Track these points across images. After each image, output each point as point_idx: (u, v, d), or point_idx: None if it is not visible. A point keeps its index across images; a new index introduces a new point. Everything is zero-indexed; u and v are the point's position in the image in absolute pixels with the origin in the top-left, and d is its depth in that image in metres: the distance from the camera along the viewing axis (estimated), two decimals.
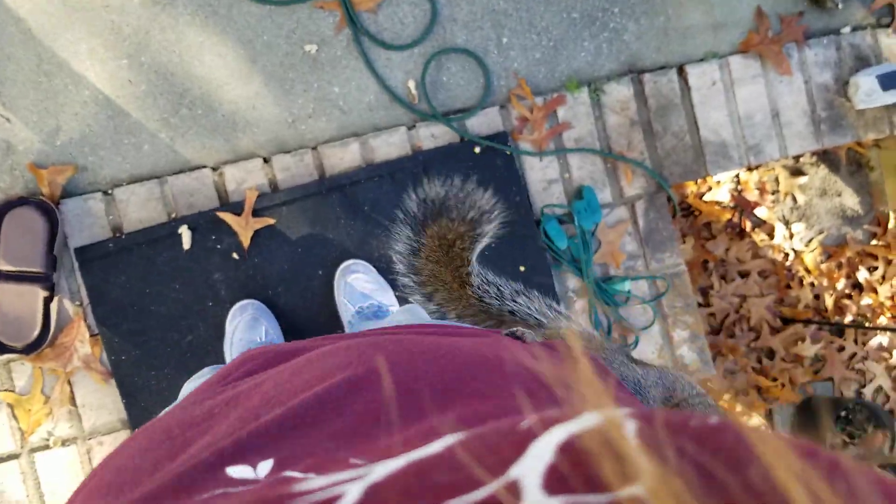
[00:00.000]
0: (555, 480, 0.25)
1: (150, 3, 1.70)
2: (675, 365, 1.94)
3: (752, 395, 2.36)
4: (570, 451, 0.25)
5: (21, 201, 1.65)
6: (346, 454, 0.35)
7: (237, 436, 0.42)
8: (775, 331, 2.36)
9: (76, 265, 1.72)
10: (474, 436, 0.30)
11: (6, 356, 1.72)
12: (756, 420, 2.35)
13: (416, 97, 1.81)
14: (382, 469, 0.29)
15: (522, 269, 1.84)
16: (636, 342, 1.90)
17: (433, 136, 1.82)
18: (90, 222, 1.72)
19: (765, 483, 0.22)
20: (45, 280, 1.69)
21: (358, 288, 1.72)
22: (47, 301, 1.70)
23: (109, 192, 1.72)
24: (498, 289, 1.12)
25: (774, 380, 2.35)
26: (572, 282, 1.89)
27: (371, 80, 1.80)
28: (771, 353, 2.38)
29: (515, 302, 1.10)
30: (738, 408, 2.35)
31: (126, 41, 1.71)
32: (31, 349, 1.71)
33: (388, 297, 1.72)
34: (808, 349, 2.32)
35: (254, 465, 0.39)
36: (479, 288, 1.11)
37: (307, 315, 1.79)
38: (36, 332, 1.70)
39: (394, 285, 1.72)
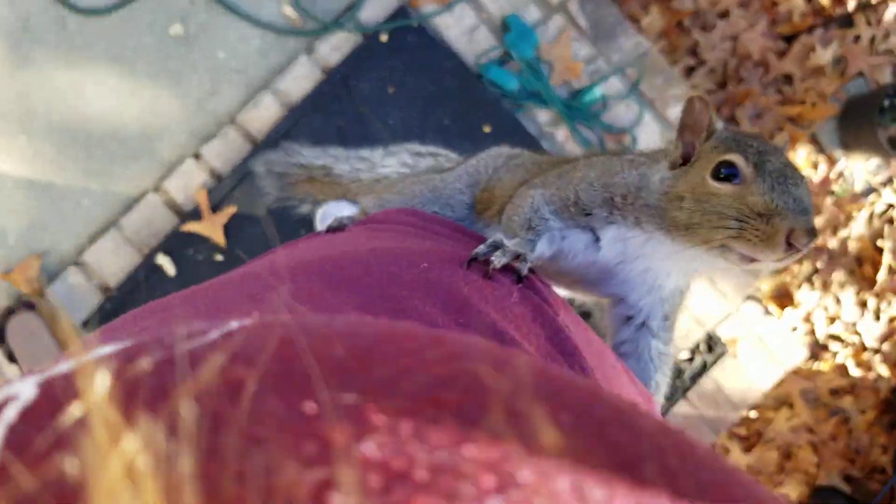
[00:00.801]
0: None
1: (11, 68, 1.67)
2: None
3: (786, 128, 2.23)
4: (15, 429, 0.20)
5: (8, 312, 1.71)
6: None
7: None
8: (782, 54, 2.20)
9: None
10: None
11: None
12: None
13: (299, 19, 1.73)
14: None
15: (487, 129, 1.78)
16: (634, 142, 1.81)
17: (336, 48, 1.74)
18: (80, 295, 1.76)
19: None
20: None
21: None
22: None
23: (79, 260, 1.75)
24: (369, 161, 1.21)
25: (803, 102, 2.21)
26: (542, 116, 1.81)
27: (248, 27, 1.72)
28: (788, 79, 2.22)
29: (384, 166, 1.19)
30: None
31: (11, 117, 1.70)
32: None
33: None
34: (823, 55, 2.16)
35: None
36: (350, 174, 1.23)
37: None
38: None
39: None
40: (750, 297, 2.17)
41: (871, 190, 2.31)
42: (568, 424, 0.21)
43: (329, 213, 1.68)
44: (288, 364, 0.22)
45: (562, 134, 1.81)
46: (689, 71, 2.22)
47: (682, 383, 2.16)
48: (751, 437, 2.39)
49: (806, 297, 2.30)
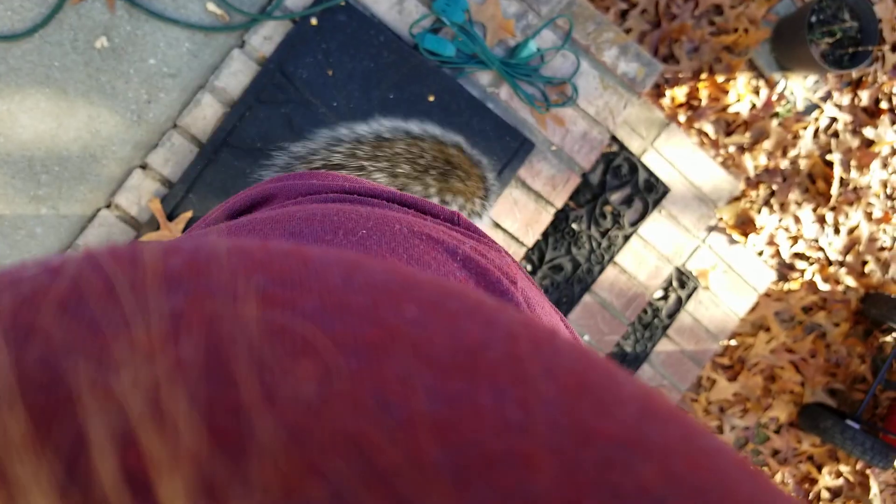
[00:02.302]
0: None
1: None
2: (621, 82, 1.94)
3: (725, 57, 2.35)
4: None
5: None
6: None
7: None
8: None
9: None
10: None
11: None
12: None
13: (226, 14, 1.77)
14: None
15: (431, 98, 1.85)
16: (575, 91, 1.91)
17: (267, 38, 1.79)
18: None
19: None
20: None
21: None
22: None
23: None
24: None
25: (735, 30, 2.32)
26: (484, 78, 1.89)
27: (175, 30, 1.76)
28: (718, 8, 2.34)
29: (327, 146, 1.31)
30: (720, 78, 2.35)
31: None
32: None
33: None
34: None
35: None
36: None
37: None
38: None
39: None
40: (713, 229, 2.29)
41: (813, 107, 2.44)
42: (413, 314, 0.23)
43: None
44: (108, 279, 0.22)
45: (505, 92, 1.89)
46: (623, 14, 2.32)
47: (661, 322, 2.28)
48: (734, 366, 2.53)
49: (766, 220, 2.44)
